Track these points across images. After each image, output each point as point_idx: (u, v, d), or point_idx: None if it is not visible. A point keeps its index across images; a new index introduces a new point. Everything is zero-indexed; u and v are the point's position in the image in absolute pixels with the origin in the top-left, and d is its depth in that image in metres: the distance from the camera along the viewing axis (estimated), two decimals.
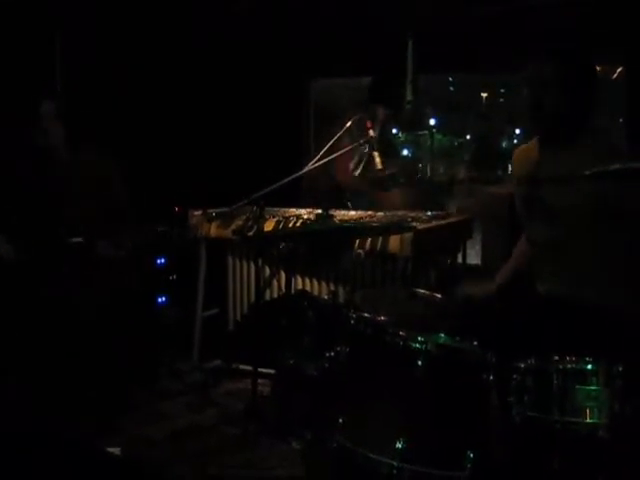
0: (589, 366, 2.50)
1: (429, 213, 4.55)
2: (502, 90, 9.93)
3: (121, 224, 4.37)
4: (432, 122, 9.40)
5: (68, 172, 4.43)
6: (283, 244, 3.64)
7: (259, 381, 4.21)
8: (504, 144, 10.07)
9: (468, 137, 10.32)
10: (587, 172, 2.52)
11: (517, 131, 9.76)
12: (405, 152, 9.24)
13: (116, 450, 3.67)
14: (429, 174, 9.20)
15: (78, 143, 4.46)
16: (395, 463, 2.59)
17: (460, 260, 4.80)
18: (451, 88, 9.22)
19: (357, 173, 4.65)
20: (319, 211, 4.09)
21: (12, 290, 4.18)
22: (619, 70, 7.00)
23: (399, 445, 2.60)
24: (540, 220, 3.14)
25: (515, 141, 9.67)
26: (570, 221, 3.02)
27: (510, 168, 6.34)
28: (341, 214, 4.42)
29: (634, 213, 2.92)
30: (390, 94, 5.10)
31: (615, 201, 2.90)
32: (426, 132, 9.33)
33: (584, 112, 3.11)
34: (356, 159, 4.64)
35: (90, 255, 4.24)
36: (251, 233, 4.14)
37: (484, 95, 10.10)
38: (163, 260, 5.28)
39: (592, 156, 2.89)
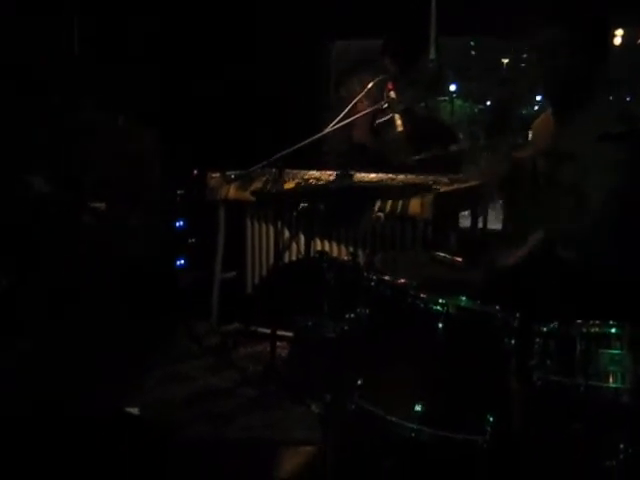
0: (613, 330, 2.46)
1: (447, 178, 4.49)
2: (524, 55, 9.80)
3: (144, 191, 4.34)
4: (452, 88, 9.30)
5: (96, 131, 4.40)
6: (302, 205, 3.60)
7: (278, 344, 4.22)
8: (524, 111, 9.95)
9: (488, 103, 10.20)
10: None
11: (538, 98, 9.64)
12: None
13: (135, 410, 3.68)
14: None
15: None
16: (414, 426, 2.58)
17: (481, 225, 4.76)
18: (473, 52, 9.11)
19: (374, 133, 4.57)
20: (339, 172, 4.06)
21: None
22: None
23: (418, 408, 2.59)
24: (558, 196, 3.07)
25: (536, 107, 9.56)
26: (587, 197, 2.94)
27: (530, 135, 6.22)
28: (361, 176, 4.38)
29: None
30: (402, 50, 4.99)
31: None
32: (446, 98, 9.24)
33: (597, 75, 3.00)
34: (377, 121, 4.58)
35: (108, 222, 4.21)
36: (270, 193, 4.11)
37: (505, 61, 9.98)
38: (182, 223, 5.27)
39: (603, 123, 2.82)
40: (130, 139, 4.34)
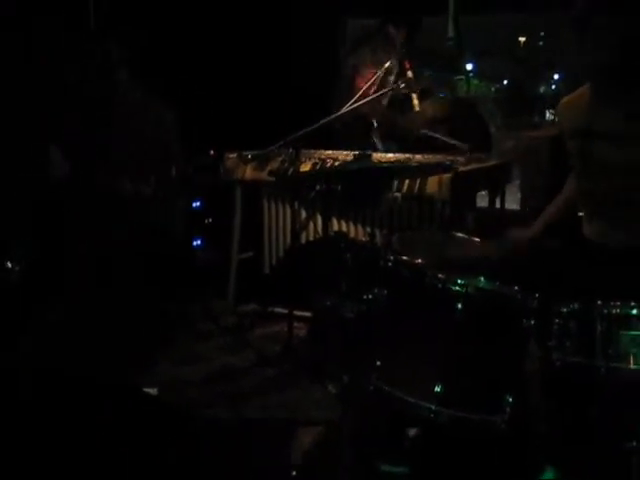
0: (634, 311, 2.44)
1: (465, 158, 4.46)
2: (542, 33, 9.71)
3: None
4: (469, 67, 9.20)
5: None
6: (320, 186, 3.59)
7: (295, 324, 4.22)
8: (542, 89, 9.86)
9: (505, 82, 10.11)
10: None
11: (556, 76, 9.55)
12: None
13: (153, 390, 3.69)
14: None
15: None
16: (433, 407, 2.58)
17: (498, 205, 4.74)
18: (489, 30, 9.02)
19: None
20: (357, 152, 4.04)
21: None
22: None
23: (437, 389, 2.58)
24: (594, 174, 3.02)
25: (553, 87, 9.48)
26: (626, 177, 2.90)
27: (548, 115, 6.12)
28: (379, 156, 4.36)
29: None
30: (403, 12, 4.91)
31: None
32: (462, 77, 9.15)
33: None
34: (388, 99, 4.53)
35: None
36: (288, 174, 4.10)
37: (522, 39, 9.89)
38: (199, 203, 5.26)
39: None
40: (152, 114, 4.37)
